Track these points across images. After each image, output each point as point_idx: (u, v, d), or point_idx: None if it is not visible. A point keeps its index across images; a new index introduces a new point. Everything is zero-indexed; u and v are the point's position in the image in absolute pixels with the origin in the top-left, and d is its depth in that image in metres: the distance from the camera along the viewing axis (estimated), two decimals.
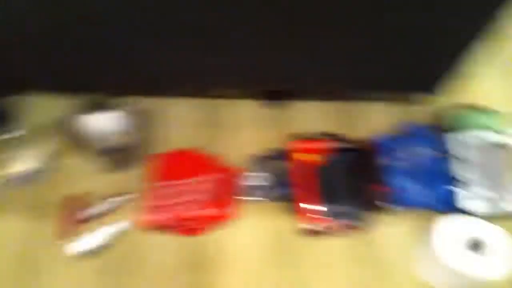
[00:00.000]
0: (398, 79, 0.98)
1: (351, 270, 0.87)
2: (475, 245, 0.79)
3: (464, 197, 0.90)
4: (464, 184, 0.90)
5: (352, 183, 0.92)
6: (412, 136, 0.95)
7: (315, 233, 0.89)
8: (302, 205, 0.89)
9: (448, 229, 0.81)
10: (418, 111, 1.06)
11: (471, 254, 0.78)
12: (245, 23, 0.81)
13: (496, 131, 0.94)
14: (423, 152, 0.93)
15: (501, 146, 0.93)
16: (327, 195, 0.90)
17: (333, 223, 0.88)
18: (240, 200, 0.92)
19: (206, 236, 0.89)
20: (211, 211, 0.89)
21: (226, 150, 0.98)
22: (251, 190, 0.92)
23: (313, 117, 1.05)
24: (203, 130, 1.03)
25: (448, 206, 0.90)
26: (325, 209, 0.89)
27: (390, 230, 0.90)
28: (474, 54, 0.88)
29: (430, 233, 0.82)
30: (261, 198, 0.91)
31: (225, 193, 0.92)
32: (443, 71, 0.94)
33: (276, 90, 1.06)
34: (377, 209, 0.89)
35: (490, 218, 0.86)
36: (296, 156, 0.95)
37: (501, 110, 0.99)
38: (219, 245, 0.89)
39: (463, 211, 0.89)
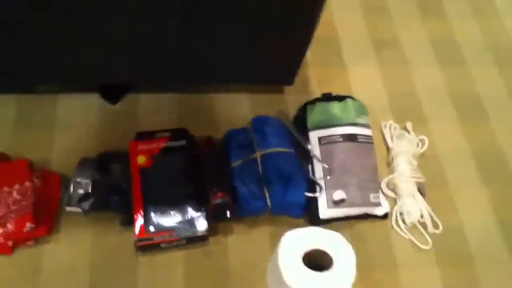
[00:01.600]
0: (254, 70, 0.89)
1: None
2: (318, 260, 0.72)
3: (319, 202, 0.82)
4: (318, 185, 0.83)
5: (188, 188, 0.81)
6: (262, 131, 0.86)
7: (151, 247, 0.77)
8: (137, 216, 0.77)
9: (290, 244, 0.72)
10: (276, 102, 0.97)
11: (312, 272, 0.70)
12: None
13: (351, 122, 0.88)
14: (274, 150, 0.84)
15: (355, 138, 0.87)
16: (156, 202, 0.79)
17: (171, 235, 0.77)
18: (62, 212, 0.80)
19: (19, 255, 0.76)
20: (25, 226, 0.74)
21: (49, 154, 0.84)
22: (76, 201, 0.78)
23: (163, 112, 0.93)
24: (18, 131, 0.87)
25: (302, 212, 0.83)
26: (161, 220, 0.77)
27: (239, 241, 0.82)
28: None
29: (276, 247, 0.73)
30: (87, 209, 0.78)
31: (42, 205, 0.77)
32: (299, 60, 0.87)
33: (116, 83, 0.92)
34: (221, 217, 0.79)
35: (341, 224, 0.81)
36: (135, 158, 0.82)
37: (361, 99, 0.93)
38: (33, 265, 0.76)
39: (317, 218, 0.82)
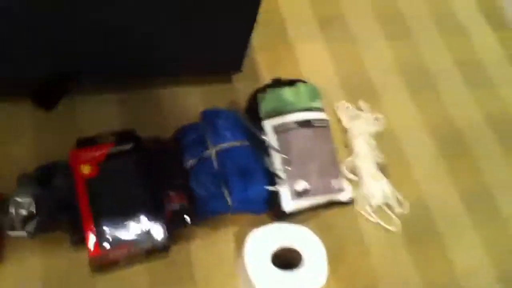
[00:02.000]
0: (200, 58, 0.84)
1: None
2: (288, 258, 0.69)
3: (282, 194, 0.79)
4: (279, 177, 0.79)
5: (141, 195, 0.74)
6: (215, 125, 0.81)
7: (109, 265, 0.70)
8: (88, 232, 0.70)
9: (256, 244, 0.69)
10: (227, 91, 0.92)
11: (281, 272, 0.67)
12: None
13: (304, 107, 0.84)
14: (229, 145, 0.79)
15: (310, 124, 0.83)
16: (108, 215, 0.72)
17: (129, 249, 0.70)
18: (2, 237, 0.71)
19: None
20: None
21: None
22: (19, 223, 0.70)
23: (106, 113, 0.85)
24: None
25: (266, 207, 0.79)
26: (116, 234, 0.71)
27: (203, 246, 0.78)
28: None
29: (241, 249, 0.69)
30: (33, 232, 0.70)
31: None
32: (245, 44, 0.83)
33: (51, 86, 0.84)
34: (180, 224, 0.73)
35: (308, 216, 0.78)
36: (79, 168, 0.74)
37: (312, 80, 0.90)
38: None
39: (282, 212, 0.78)
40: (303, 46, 1.00)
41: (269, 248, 0.68)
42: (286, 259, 0.70)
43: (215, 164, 0.78)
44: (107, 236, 0.70)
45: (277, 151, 0.81)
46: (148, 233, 0.72)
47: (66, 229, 0.72)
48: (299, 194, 0.79)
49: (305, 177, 0.80)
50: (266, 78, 0.92)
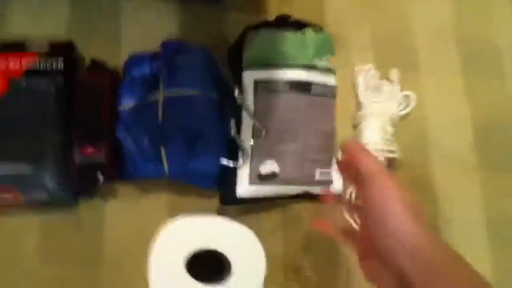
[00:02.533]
0: None
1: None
2: (210, 266, 0.50)
3: (239, 173, 0.59)
4: (242, 151, 0.58)
5: (51, 132, 0.57)
6: (174, 63, 0.60)
7: None
8: None
9: (171, 239, 0.50)
10: (214, 19, 0.69)
11: (195, 283, 0.48)
12: None
13: (305, 64, 0.60)
14: (187, 93, 0.58)
15: (308, 88, 0.60)
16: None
17: (13, 194, 0.54)
18: None
19: None
20: None
21: None
22: None
23: (49, 11, 0.66)
24: None
25: (214, 183, 0.59)
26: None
27: (123, 211, 0.60)
28: None
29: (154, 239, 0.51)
30: None
31: None
32: None
33: None
34: (90, 182, 0.55)
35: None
36: None
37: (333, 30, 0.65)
38: None
39: (232, 195, 0.58)
40: None
41: (187, 246, 0.49)
42: (208, 267, 0.51)
43: (159, 115, 0.57)
44: None
45: (250, 115, 0.59)
46: (40, 179, 0.54)
47: None
48: (263, 178, 0.58)
49: (278, 158, 0.58)
50: (272, 13, 0.68)
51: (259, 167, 0.58)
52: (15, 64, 0.58)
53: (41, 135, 0.57)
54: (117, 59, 0.63)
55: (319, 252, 0.62)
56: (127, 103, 0.58)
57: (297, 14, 0.64)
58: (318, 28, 0.63)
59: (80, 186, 0.57)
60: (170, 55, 0.60)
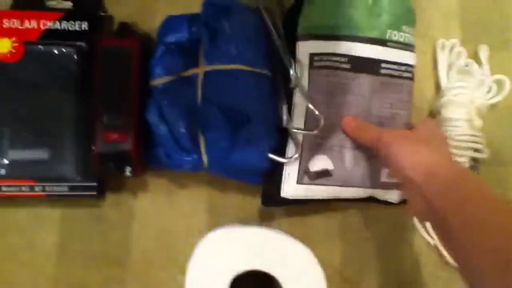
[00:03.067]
0: None
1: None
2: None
3: (285, 170, 0.48)
4: (294, 140, 0.48)
5: (70, 110, 0.49)
6: (218, 29, 0.48)
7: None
8: None
9: (212, 257, 0.41)
10: None
11: None
12: None
13: (377, 37, 0.48)
14: (233, 68, 0.48)
15: (377, 68, 0.49)
16: (11, 124, 0.48)
17: (25, 180, 0.47)
18: None
19: None
20: None
21: None
22: None
23: None
24: None
25: (261, 179, 0.50)
26: (12, 155, 0.47)
27: (154, 207, 0.52)
28: None
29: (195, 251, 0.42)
30: None
31: None
32: None
33: None
34: (114, 172, 0.46)
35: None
36: None
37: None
38: None
39: (276, 195, 0.48)
40: None
41: (229, 269, 0.40)
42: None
43: (198, 94, 0.47)
44: (4, 161, 0.48)
45: (306, 98, 0.48)
46: (57, 166, 0.46)
47: None
48: (312, 176, 0.48)
49: (331, 152, 0.48)
50: None
51: (308, 163, 0.48)
52: (32, 24, 0.49)
53: (59, 112, 0.48)
54: (152, 21, 0.52)
55: (380, 266, 0.52)
56: (159, 77, 0.48)
57: None
58: None
59: (104, 177, 0.48)
60: (213, 18, 0.48)
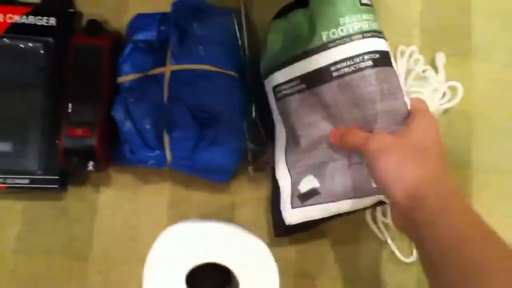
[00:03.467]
0: None
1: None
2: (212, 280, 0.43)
3: (282, 196, 0.49)
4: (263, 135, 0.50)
5: (35, 103, 0.49)
6: (188, 29, 0.50)
7: None
8: None
9: (170, 248, 0.42)
10: None
11: None
12: None
13: (322, 41, 0.44)
14: (200, 68, 0.49)
15: (324, 74, 0.45)
16: None
17: None
18: None
19: None
20: None
21: None
22: None
23: None
24: None
25: (228, 177, 0.51)
26: None
27: (117, 199, 0.53)
28: None
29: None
30: None
31: None
32: None
33: None
34: (78, 167, 0.47)
35: None
36: None
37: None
38: None
39: (282, 224, 0.49)
40: None
41: (186, 261, 0.42)
42: (212, 281, 0.44)
43: (165, 92, 0.48)
44: None
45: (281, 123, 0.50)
46: (21, 160, 0.47)
47: None
48: (303, 198, 0.48)
49: (315, 170, 0.47)
50: None
51: (298, 186, 0.48)
52: (1, 16, 0.49)
53: (25, 106, 0.49)
54: (121, 20, 0.53)
55: (336, 261, 0.54)
56: (126, 75, 0.49)
57: None
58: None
59: (66, 171, 0.49)
60: (184, 18, 0.49)
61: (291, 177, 0.48)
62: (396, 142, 0.40)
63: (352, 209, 0.47)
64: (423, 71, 0.58)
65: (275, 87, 0.49)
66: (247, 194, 0.53)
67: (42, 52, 0.50)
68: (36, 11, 0.50)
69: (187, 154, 0.48)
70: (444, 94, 0.58)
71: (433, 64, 0.59)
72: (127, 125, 0.48)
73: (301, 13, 0.46)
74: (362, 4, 0.44)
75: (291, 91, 0.47)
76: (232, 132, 0.48)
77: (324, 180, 0.46)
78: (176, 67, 0.48)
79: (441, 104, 0.58)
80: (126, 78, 0.49)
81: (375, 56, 0.43)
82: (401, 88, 0.45)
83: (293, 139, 0.48)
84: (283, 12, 0.48)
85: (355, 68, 0.43)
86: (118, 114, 0.48)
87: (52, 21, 0.50)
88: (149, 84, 0.49)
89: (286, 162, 0.49)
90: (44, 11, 0.50)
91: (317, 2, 0.45)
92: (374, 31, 0.44)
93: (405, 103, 0.44)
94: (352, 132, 0.43)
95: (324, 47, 0.44)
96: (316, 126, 0.46)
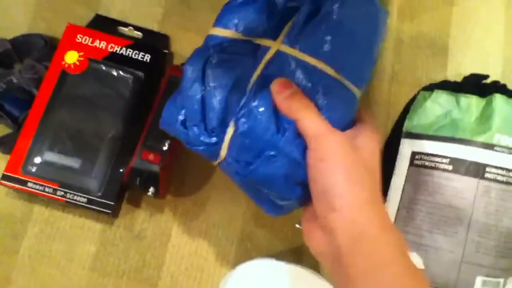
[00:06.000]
0: None
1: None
2: None
3: None
4: None
5: (117, 128, 0.50)
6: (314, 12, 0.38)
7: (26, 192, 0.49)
8: (22, 142, 0.49)
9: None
10: None
11: None
12: None
13: (483, 142, 0.47)
14: (312, 63, 0.37)
15: (476, 170, 0.46)
16: (60, 132, 0.50)
17: (52, 184, 0.48)
18: None
19: None
20: None
21: None
22: None
23: None
24: None
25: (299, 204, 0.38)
26: (53, 161, 0.49)
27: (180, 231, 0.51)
28: None
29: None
30: None
31: None
32: None
33: None
34: (138, 190, 0.47)
35: None
36: (63, 52, 0.52)
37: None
38: None
39: None
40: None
41: None
42: None
43: (257, 72, 0.36)
44: (42, 159, 0.49)
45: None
46: (85, 178, 0.47)
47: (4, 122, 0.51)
48: None
49: (421, 249, 0.46)
50: None
51: None
52: (101, 44, 0.53)
53: (102, 129, 0.50)
54: None
55: None
56: (225, 28, 0.38)
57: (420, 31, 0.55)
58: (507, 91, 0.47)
59: (121, 199, 0.50)
60: None
61: None
62: (351, 153, 0.33)
63: None
64: None
65: (416, 153, 0.48)
66: None
67: (130, 82, 0.52)
68: (135, 45, 0.53)
69: (246, 159, 0.35)
70: None
71: None
72: (194, 89, 0.35)
73: (474, 100, 0.47)
74: None
75: (435, 166, 0.46)
76: None
77: (429, 263, 0.44)
78: (286, 49, 0.36)
79: None
80: (222, 31, 0.38)
81: None
82: None
83: (409, 208, 0.46)
84: (449, 87, 0.49)
85: (506, 181, 0.45)
86: (191, 69, 0.36)
87: (147, 57, 0.53)
88: (244, 52, 0.37)
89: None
90: (142, 47, 0.53)
91: (501, 101, 0.46)
92: None
93: None
94: (304, 102, 0.34)
95: (491, 146, 0.45)
96: (439, 209, 0.45)
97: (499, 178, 0.44)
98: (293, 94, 0.34)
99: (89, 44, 0.52)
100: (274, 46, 0.36)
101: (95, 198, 0.48)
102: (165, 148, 0.46)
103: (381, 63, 0.57)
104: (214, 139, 0.35)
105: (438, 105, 0.48)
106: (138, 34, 0.55)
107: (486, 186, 0.44)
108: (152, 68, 0.52)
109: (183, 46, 0.56)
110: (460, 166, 0.45)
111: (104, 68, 0.52)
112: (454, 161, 0.45)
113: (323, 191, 0.32)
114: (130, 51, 0.53)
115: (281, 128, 0.34)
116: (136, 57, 0.53)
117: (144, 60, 0.53)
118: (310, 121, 0.33)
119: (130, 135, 0.49)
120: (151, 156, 0.46)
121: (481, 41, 0.59)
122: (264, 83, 0.35)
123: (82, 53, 0.51)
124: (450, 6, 0.60)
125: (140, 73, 0.52)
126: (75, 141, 0.49)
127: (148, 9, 0.57)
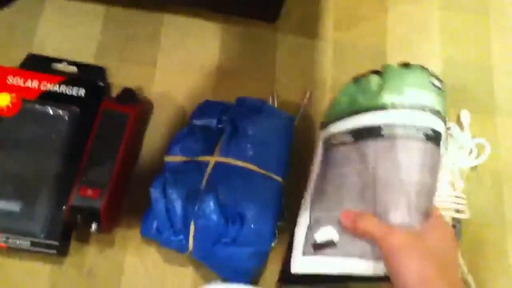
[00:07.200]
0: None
1: None
2: None
3: (295, 241, 0.47)
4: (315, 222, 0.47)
5: (54, 166, 0.49)
6: (242, 127, 0.50)
7: None
8: None
9: None
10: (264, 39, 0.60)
11: None
12: None
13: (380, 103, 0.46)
14: (244, 166, 0.49)
15: (372, 132, 0.45)
16: None
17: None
18: None
19: None
20: None
21: None
22: None
23: (83, 25, 0.59)
24: None
25: (248, 280, 0.49)
26: None
27: (133, 267, 0.50)
28: None
29: None
30: None
31: None
32: None
33: None
34: (81, 228, 0.46)
35: None
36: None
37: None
38: None
39: (287, 271, 0.46)
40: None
41: None
42: None
43: (204, 181, 0.47)
44: None
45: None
46: (27, 220, 0.46)
47: None
48: (317, 247, 0.44)
49: (335, 222, 0.44)
50: (327, 38, 0.60)
51: (314, 235, 0.45)
52: (33, 84, 0.52)
53: (41, 170, 0.49)
54: (149, 87, 0.55)
55: None
56: (175, 155, 0.49)
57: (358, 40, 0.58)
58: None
59: (68, 237, 0.48)
60: (240, 114, 0.51)
61: (309, 222, 0.46)
62: (415, 242, 0.38)
63: (366, 273, 0.42)
64: (448, 129, 0.54)
65: (326, 139, 0.50)
66: None
67: (66, 119, 0.51)
68: (69, 81, 0.52)
69: (207, 246, 0.46)
70: (471, 151, 0.56)
71: (458, 122, 0.58)
72: (160, 205, 0.46)
73: (371, 78, 0.48)
74: (433, 85, 0.46)
75: (338, 142, 0.48)
76: (256, 234, 0.46)
77: (344, 234, 0.43)
78: (222, 159, 0.48)
79: (468, 162, 0.55)
80: (174, 158, 0.49)
81: (429, 132, 0.44)
82: (438, 173, 0.45)
83: (322, 187, 0.47)
84: (357, 78, 0.50)
85: (406, 135, 0.44)
86: (156, 191, 0.46)
87: (82, 92, 0.53)
88: (191, 169, 0.48)
89: (310, 208, 0.47)
90: (76, 82, 0.53)
91: (391, 70, 0.47)
92: (436, 111, 0.45)
93: (436, 186, 0.44)
94: (368, 219, 0.41)
95: (383, 107, 0.45)
96: (347, 178, 0.45)
97: (399, 134, 0.44)
98: (355, 219, 0.42)
99: (21, 84, 0.52)
100: (212, 160, 0.48)
101: (38, 240, 0.46)
102: (105, 181, 0.46)
103: (321, 74, 0.59)
104: (181, 237, 0.46)
105: (344, 95, 0.50)
106: (73, 69, 0.54)
107: (387, 144, 0.44)
108: (87, 102, 0.52)
109: (122, 76, 0.56)
110: (358, 135, 0.46)
111: (38, 107, 0.51)
112: (353, 131, 0.46)
113: (399, 282, 0.37)
114: (64, 87, 0.52)
115: (230, 220, 0.45)
116: (71, 92, 0.52)
117: (79, 95, 0.52)
118: (378, 235, 0.39)
119: (70, 172, 0.48)
120: (89, 192, 0.45)
121: (418, 44, 0.62)
122: (210, 189, 0.46)
123: (14, 95, 0.51)
124: (385, 13, 0.62)
125: (76, 109, 0.52)
126: (14, 185, 0.48)
127: (83, 44, 0.58)
